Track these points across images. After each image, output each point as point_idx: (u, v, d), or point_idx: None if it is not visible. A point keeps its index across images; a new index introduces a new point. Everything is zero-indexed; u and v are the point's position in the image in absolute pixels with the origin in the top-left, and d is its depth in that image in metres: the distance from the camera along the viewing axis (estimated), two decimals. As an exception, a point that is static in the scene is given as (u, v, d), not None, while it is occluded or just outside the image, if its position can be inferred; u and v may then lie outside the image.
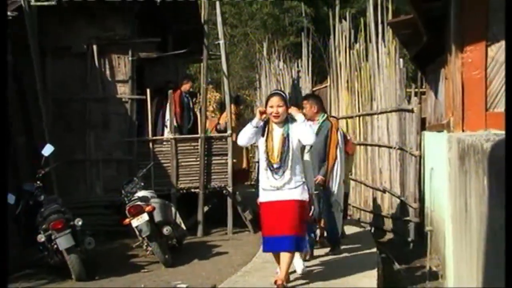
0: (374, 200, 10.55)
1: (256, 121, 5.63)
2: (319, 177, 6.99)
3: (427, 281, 6.92)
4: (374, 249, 7.70)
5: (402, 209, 9.35)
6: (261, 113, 5.63)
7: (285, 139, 5.57)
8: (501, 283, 2.39)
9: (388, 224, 9.95)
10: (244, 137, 5.70)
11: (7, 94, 6.90)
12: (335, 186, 7.18)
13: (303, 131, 5.54)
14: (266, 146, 5.62)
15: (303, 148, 6.08)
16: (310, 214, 6.06)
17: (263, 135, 5.68)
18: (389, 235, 9.75)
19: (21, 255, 8.26)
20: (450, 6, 5.67)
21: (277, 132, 5.64)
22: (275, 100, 5.58)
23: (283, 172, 5.54)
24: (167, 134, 10.28)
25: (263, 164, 5.66)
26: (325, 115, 7.32)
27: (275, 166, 5.55)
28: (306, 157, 6.11)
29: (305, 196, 5.61)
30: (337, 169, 7.19)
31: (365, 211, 10.88)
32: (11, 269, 7.76)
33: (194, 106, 11.02)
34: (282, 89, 14.05)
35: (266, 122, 5.68)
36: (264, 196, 5.68)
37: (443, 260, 6.76)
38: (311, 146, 6.36)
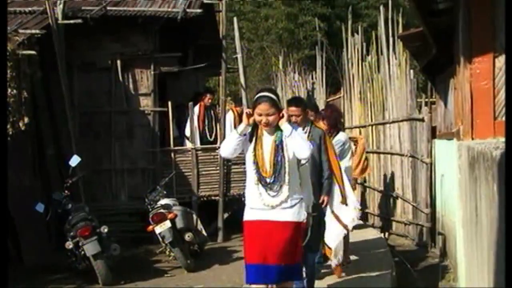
0: (387, 206, 10.67)
1: (243, 127, 4.61)
2: (324, 198, 5.87)
3: (439, 283, 7.04)
4: (388, 253, 7.87)
5: (414, 214, 9.47)
6: (248, 116, 4.62)
7: (278, 147, 4.59)
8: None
9: (401, 228, 10.05)
10: (229, 147, 4.66)
11: (6, 94, 7.13)
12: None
13: (296, 144, 4.56)
14: (255, 155, 4.60)
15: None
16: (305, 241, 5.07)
17: (250, 142, 4.67)
18: (402, 240, 9.83)
19: (51, 261, 8.45)
20: (457, 20, 5.77)
21: (267, 139, 4.65)
22: (263, 108, 4.54)
23: (280, 187, 4.55)
24: (189, 144, 10.42)
25: (252, 178, 4.61)
26: (311, 123, 6.11)
27: (268, 180, 4.55)
28: (302, 169, 5.04)
29: (302, 217, 4.64)
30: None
31: (379, 216, 10.99)
32: (43, 274, 8.07)
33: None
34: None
35: (254, 126, 4.66)
36: (251, 214, 4.64)
37: (454, 263, 6.85)
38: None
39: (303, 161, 5.05)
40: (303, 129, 5.78)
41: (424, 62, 9.03)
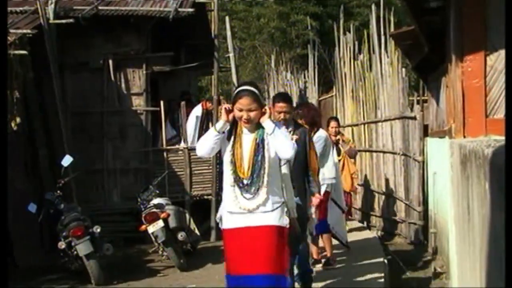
0: (379, 204, 10.70)
1: (221, 124, 4.23)
2: (316, 198, 5.57)
3: (432, 281, 7.06)
4: (381, 252, 7.88)
5: (407, 212, 9.50)
6: (227, 112, 4.23)
7: (258, 145, 4.20)
8: (503, 283, 2.40)
9: (394, 227, 10.07)
10: (205, 146, 4.26)
11: (6, 94, 7.11)
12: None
13: (279, 143, 4.17)
14: (233, 154, 4.20)
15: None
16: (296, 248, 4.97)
17: (229, 139, 4.27)
18: (394, 238, 9.85)
19: (44, 261, 8.45)
20: (449, 18, 5.78)
21: (247, 137, 4.26)
22: (244, 103, 4.16)
23: (257, 189, 4.16)
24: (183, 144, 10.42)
25: (228, 179, 4.23)
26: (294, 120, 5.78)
27: (245, 182, 4.15)
28: (284, 169, 4.69)
29: (285, 222, 4.25)
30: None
31: (371, 215, 11.02)
32: (36, 274, 8.06)
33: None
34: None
35: (233, 123, 4.28)
36: (229, 221, 4.26)
37: (447, 261, 6.84)
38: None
39: (283, 161, 4.70)
40: (287, 127, 5.36)
41: (416, 60, 9.10)
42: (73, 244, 7.43)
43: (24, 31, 8.83)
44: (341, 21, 12.60)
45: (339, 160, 8.32)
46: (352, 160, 9.28)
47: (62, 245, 7.53)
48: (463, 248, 4.33)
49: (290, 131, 5.38)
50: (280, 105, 5.48)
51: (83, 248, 7.34)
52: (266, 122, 4.22)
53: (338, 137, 8.84)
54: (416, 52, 8.63)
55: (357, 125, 11.66)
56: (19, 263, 8.31)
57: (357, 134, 11.60)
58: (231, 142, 4.26)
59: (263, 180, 4.17)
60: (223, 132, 4.25)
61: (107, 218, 9.49)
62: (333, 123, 8.93)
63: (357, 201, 11.52)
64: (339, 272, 6.64)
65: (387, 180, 10.29)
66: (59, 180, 8.34)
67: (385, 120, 10.27)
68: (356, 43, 11.82)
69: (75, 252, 7.46)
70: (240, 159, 4.21)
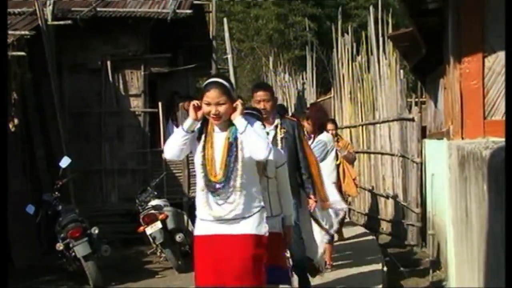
0: (378, 205, 10.71)
1: (189, 123, 3.78)
2: (312, 202, 5.20)
3: (430, 282, 7.10)
4: (379, 253, 7.89)
5: (405, 214, 9.52)
6: (196, 109, 3.77)
7: (231, 145, 3.75)
8: (502, 284, 2.40)
9: (391, 228, 10.09)
10: (173, 148, 3.82)
11: (7, 95, 7.10)
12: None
13: (251, 142, 3.70)
14: (204, 156, 3.78)
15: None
16: (289, 261, 4.72)
17: (199, 140, 3.84)
18: (393, 239, 9.88)
19: (42, 262, 8.42)
20: (447, 20, 5.81)
21: (219, 136, 3.81)
22: (212, 96, 3.69)
23: (230, 194, 3.72)
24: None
25: (199, 183, 3.82)
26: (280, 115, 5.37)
27: (217, 186, 3.72)
28: (281, 172, 4.46)
29: (263, 230, 3.81)
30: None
31: (369, 216, 11.03)
32: (34, 276, 8.05)
33: None
34: (288, 101, 14.28)
35: (204, 122, 3.84)
36: (201, 228, 3.84)
37: (445, 262, 6.87)
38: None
39: (282, 160, 4.48)
40: (273, 121, 5.12)
41: (414, 62, 9.15)
42: (71, 245, 7.40)
43: (22, 32, 8.82)
44: (339, 23, 12.64)
45: (338, 165, 8.00)
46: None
47: (60, 246, 7.50)
48: (461, 249, 4.33)
49: (276, 125, 5.12)
50: (259, 94, 5.08)
51: (81, 249, 7.32)
52: (237, 119, 3.74)
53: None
54: (414, 54, 8.68)
55: (355, 126, 11.69)
56: (17, 264, 8.29)
57: (355, 135, 11.62)
58: (201, 142, 3.81)
59: (236, 183, 3.73)
60: (192, 131, 3.81)
61: (105, 219, 9.45)
62: (330, 126, 8.20)
63: (361, 205, 11.53)
64: (338, 274, 6.63)
65: (385, 182, 10.30)
66: (57, 181, 8.33)
67: (383, 122, 10.29)
68: (354, 44, 11.88)
69: (73, 253, 7.43)
70: (212, 161, 3.77)
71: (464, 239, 4.10)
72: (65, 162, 8.21)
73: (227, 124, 3.79)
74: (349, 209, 11.21)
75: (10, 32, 8.67)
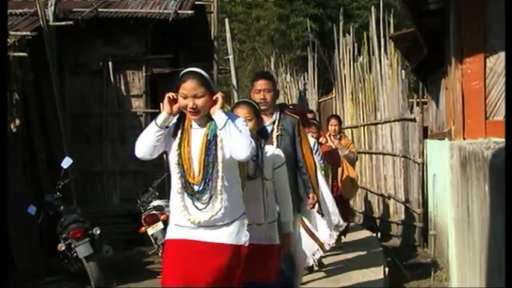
0: (379, 206, 10.73)
1: (163, 117, 3.40)
2: (311, 201, 4.74)
3: (431, 283, 7.12)
4: (380, 253, 7.91)
5: (407, 214, 9.54)
6: (171, 101, 3.40)
7: (210, 142, 3.38)
8: (503, 284, 2.40)
9: (393, 228, 10.10)
10: (145, 145, 3.44)
11: (7, 96, 7.09)
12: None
13: (231, 139, 3.32)
14: (180, 155, 3.41)
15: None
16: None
17: (175, 136, 3.46)
18: (394, 240, 9.90)
19: (43, 263, 8.41)
20: (448, 21, 5.80)
21: (197, 133, 3.44)
22: (189, 88, 3.32)
23: (210, 198, 3.36)
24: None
25: (175, 184, 3.44)
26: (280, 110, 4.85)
27: (195, 188, 3.38)
28: (279, 173, 4.13)
29: (243, 239, 3.44)
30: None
31: (371, 216, 11.05)
32: (35, 277, 8.06)
33: None
34: (289, 101, 14.29)
35: (180, 117, 3.47)
36: (174, 232, 3.47)
37: (446, 262, 6.89)
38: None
39: (280, 161, 4.13)
40: (271, 116, 4.66)
41: (415, 62, 9.16)
42: (72, 246, 7.40)
43: (24, 33, 8.83)
44: (341, 23, 12.66)
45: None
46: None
47: (61, 247, 7.50)
48: (463, 250, 4.34)
49: (274, 121, 4.67)
50: (260, 82, 4.64)
51: (82, 250, 7.31)
52: (216, 113, 3.37)
53: (335, 142, 7.99)
54: (415, 54, 8.68)
55: (356, 127, 11.70)
56: (18, 265, 8.29)
57: (357, 136, 11.64)
58: (177, 139, 3.44)
59: (216, 185, 3.36)
60: (167, 127, 3.43)
61: (107, 220, 9.42)
62: (333, 121, 8.13)
63: (362, 205, 11.52)
64: (339, 273, 6.63)
65: (386, 182, 10.29)
66: (58, 182, 8.32)
67: (385, 122, 10.31)
68: (356, 45, 11.89)
69: (75, 254, 7.42)
70: (189, 160, 3.40)
71: (466, 239, 4.10)
72: (66, 162, 8.21)
73: (206, 119, 3.43)
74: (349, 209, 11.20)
75: (11, 32, 8.69)
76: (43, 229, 8.78)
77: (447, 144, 5.95)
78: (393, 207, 10.17)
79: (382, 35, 10.49)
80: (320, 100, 13.95)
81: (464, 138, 5.35)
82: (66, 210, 7.96)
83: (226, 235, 3.41)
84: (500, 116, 5.33)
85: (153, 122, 3.45)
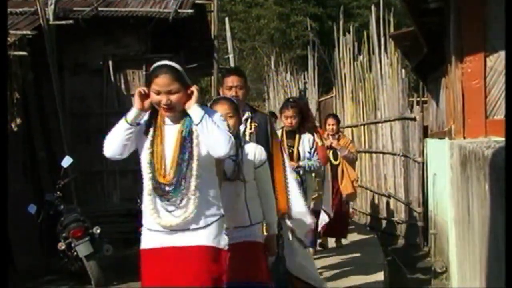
0: (379, 205, 10.73)
1: (134, 113, 3.19)
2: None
3: (432, 282, 7.13)
4: (381, 252, 7.92)
5: (407, 214, 9.54)
6: (142, 97, 3.19)
7: (185, 140, 3.16)
8: (503, 284, 2.40)
9: (393, 228, 10.10)
10: (114, 143, 3.26)
11: (6, 94, 7.08)
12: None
13: (208, 135, 3.11)
14: (152, 153, 3.18)
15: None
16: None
17: (146, 134, 3.23)
18: (395, 239, 9.88)
19: (44, 263, 8.42)
20: (448, 20, 5.81)
21: (171, 129, 3.21)
22: (162, 83, 3.11)
23: (183, 199, 3.13)
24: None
25: (146, 185, 3.23)
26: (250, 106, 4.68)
27: (167, 188, 3.13)
28: (261, 172, 3.88)
29: (222, 242, 3.21)
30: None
31: (371, 216, 11.06)
32: (35, 276, 8.07)
33: None
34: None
35: (153, 113, 3.23)
36: (148, 240, 3.26)
37: (447, 262, 6.88)
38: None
39: (261, 159, 3.86)
40: (243, 114, 4.37)
41: (415, 61, 9.16)
42: (73, 245, 7.40)
43: (24, 32, 8.81)
44: (341, 22, 12.65)
45: (338, 165, 7.84)
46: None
47: (61, 246, 7.50)
48: (463, 249, 4.35)
49: (246, 118, 4.44)
50: (231, 79, 4.40)
51: (83, 249, 7.31)
52: (192, 108, 3.14)
53: (331, 142, 7.69)
54: (415, 53, 8.69)
55: (356, 126, 11.71)
56: (18, 264, 8.30)
57: (357, 135, 11.65)
58: (149, 137, 3.21)
59: (190, 185, 3.12)
60: (138, 124, 3.21)
61: (107, 219, 9.41)
62: (330, 120, 7.97)
63: (362, 205, 11.52)
64: (339, 273, 6.63)
65: (386, 181, 10.29)
66: (58, 181, 8.32)
67: (385, 121, 10.32)
68: (356, 44, 11.90)
69: (75, 253, 7.43)
70: (161, 159, 3.16)
71: (466, 238, 4.10)
72: (67, 161, 8.20)
73: (181, 115, 3.19)
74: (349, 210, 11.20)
75: (11, 31, 8.68)
76: (43, 228, 8.78)
77: (447, 143, 5.94)
78: (393, 206, 10.16)
79: (382, 34, 10.50)
80: (320, 99, 13.96)
81: (464, 137, 5.34)
82: (66, 209, 7.95)
83: (204, 238, 3.16)
84: (500, 115, 5.33)
85: (122, 119, 3.21)
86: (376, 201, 10.91)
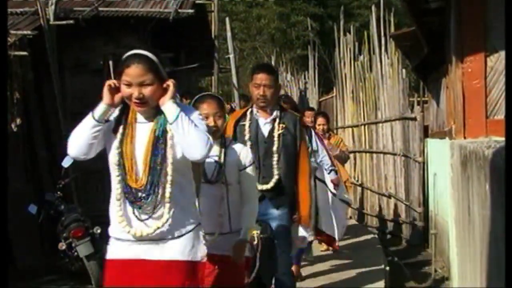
0: (380, 205, 10.72)
1: (102, 109, 2.84)
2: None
3: (432, 282, 7.12)
4: (381, 252, 7.91)
5: (407, 213, 9.53)
6: (112, 90, 2.83)
7: (158, 140, 2.82)
8: (503, 284, 2.39)
9: (394, 228, 10.10)
10: (79, 142, 2.85)
11: (6, 94, 7.10)
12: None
13: (184, 136, 2.77)
14: (121, 154, 2.84)
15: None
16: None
17: (116, 132, 2.87)
18: (395, 239, 9.88)
19: (44, 263, 8.40)
20: (449, 19, 5.82)
21: (143, 128, 2.87)
22: (134, 74, 2.75)
23: (156, 206, 2.80)
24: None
25: (115, 189, 2.93)
26: (280, 106, 4.46)
27: (139, 194, 2.81)
28: (247, 174, 3.56)
29: (199, 254, 2.89)
30: None
31: (372, 216, 11.05)
32: (36, 276, 8.07)
33: None
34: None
35: (123, 109, 2.89)
36: (115, 250, 2.91)
37: (447, 262, 6.89)
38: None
39: (247, 161, 3.55)
40: (271, 113, 4.20)
41: (416, 61, 9.17)
42: (73, 245, 7.36)
43: (24, 32, 8.82)
44: (341, 22, 12.65)
45: None
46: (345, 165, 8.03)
47: (62, 246, 7.47)
48: (464, 249, 4.34)
49: (274, 118, 4.23)
50: (260, 77, 4.14)
51: (83, 249, 7.28)
52: (166, 104, 2.80)
53: (325, 142, 7.13)
54: (416, 53, 8.69)
55: (357, 126, 11.70)
56: (18, 264, 8.32)
57: (357, 135, 11.64)
58: (119, 136, 2.87)
59: (165, 191, 2.80)
60: (107, 121, 2.86)
61: (108, 219, 9.38)
62: (320, 120, 7.45)
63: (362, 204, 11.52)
64: (340, 273, 6.63)
65: (387, 181, 10.29)
66: (59, 181, 8.30)
67: (386, 121, 10.31)
68: (356, 44, 11.89)
69: (76, 253, 7.39)
70: (131, 160, 2.83)
71: (467, 238, 4.10)
72: (67, 161, 8.15)
73: (155, 111, 2.86)
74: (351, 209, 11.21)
75: (12, 32, 8.69)
76: (43, 228, 8.79)
77: (448, 143, 5.94)
78: (393, 206, 10.15)
79: (382, 34, 10.49)
80: (320, 99, 13.97)
81: (464, 137, 5.33)
82: (66, 209, 7.91)
83: (178, 250, 2.84)
84: (500, 115, 5.32)
85: (89, 115, 2.86)
86: (376, 201, 10.89)
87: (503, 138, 2.96)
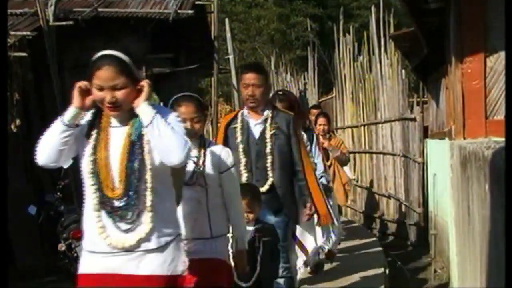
0: (380, 205, 10.70)
1: (72, 112, 2.65)
2: (307, 212, 4.18)
3: (432, 282, 7.11)
4: (381, 253, 7.87)
5: (407, 214, 9.51)
6: (83, 92, 2.66)
7: (134, 145, 2.67)
8: (503, 284, 2.39)
9: (394, 228, 10.09)
10: (48, 148, 2.65)
11: (6, 94, 7.09)
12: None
13: (159, 139, 2.62)
14: (95, 161, 2.67)
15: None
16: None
17: (88, 137, 2.71)
18: (395, 239, 9.87)
19: (44, 263, 8.42)
20: (449, 20, 5.81)
21: (117, 132, 2.71)
22: (105, 77, 2.62)
23: (137, 216, 2.65)
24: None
25: (90, 199, 2.71)
26: (273, 105, 4.34)
27: (116, 204, 2.64)
28: (229, 177, 3.38)
29: (180, 268, 2.74)
30: None
31: (371, 216, 11.02)
32: (36, 276, 8.08)
33: None
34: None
35: (96, 113, 2.73)
36: (88, 264, 2.71)
37: (447, 262, 6.88)
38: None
39: (227, 163, 3.37)
40: (262, 113, 4.10)
41: (415, 62, 9.17)
42: (73, 246, 7.36)
43: (24, 33, 8.83)
44: (341, 23, 12.65)
45: (329, 167, 7.21)
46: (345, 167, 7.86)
47: (62, 247, 7.47)
48: (464, 249, 4.34)
49: (266, 119, 4.11)
50: (248, 76, 4.02)
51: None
52: (140, 106, 2.65)
53: (322, 142, 6.99)
54: (415, 54, 8.69)
55: (357, 126, 11.69)
56: (18, 264, 8.32)
57: (357, 135, 11.64)
58: (92, 141, 2.70)
59: (145, 199, 2.65)
60: (77, 125, 2.68)
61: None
62: (321, 120, 7.29)
63: (362, 205, 11.51)
64: (340, 274, 6.62)
65: (386, 182, 10.28)
66: (59, 182, 8.31)
67: (385, 122, 10.30)
68: (356, 44, 11.88)
69: (75, 254, 7.36)
70: (107, 168, 2.65)
71: (466, 239, 4.09)
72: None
73: (129, 115, 2.69)
74: (350, 210, 11.24)
75: (11, 32, 8.69)
76: (43, 229, 8.80)
77: (448, 143, 5.94)
78: (393, 207, 10.15)
79: (382, 34, 10.49)
80: (320, 100, 13.95)
81: (464, 138, 5.32)
82: (66, 210, 7.89)
83: (158, 264, 2.67)
84: (500, 115, 5.31)
85: (58, 120, 2.66)
86: (376, 202, 10.87)
87: (503, 139, 2.96)
